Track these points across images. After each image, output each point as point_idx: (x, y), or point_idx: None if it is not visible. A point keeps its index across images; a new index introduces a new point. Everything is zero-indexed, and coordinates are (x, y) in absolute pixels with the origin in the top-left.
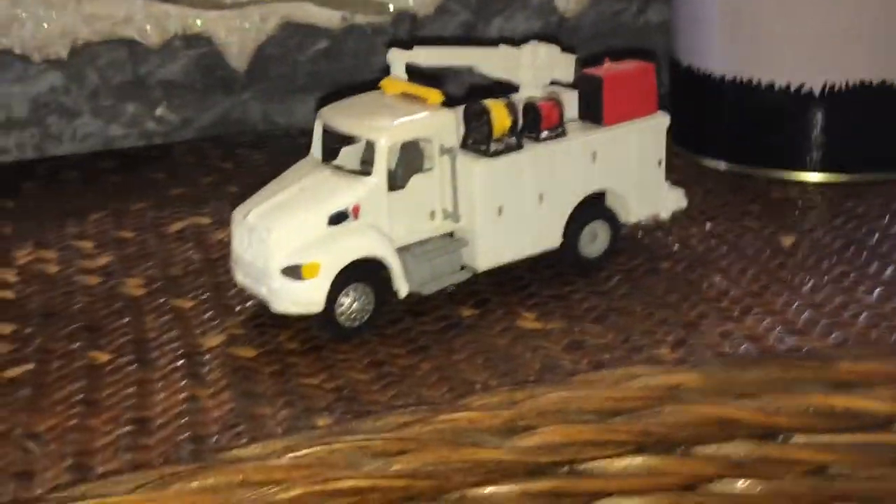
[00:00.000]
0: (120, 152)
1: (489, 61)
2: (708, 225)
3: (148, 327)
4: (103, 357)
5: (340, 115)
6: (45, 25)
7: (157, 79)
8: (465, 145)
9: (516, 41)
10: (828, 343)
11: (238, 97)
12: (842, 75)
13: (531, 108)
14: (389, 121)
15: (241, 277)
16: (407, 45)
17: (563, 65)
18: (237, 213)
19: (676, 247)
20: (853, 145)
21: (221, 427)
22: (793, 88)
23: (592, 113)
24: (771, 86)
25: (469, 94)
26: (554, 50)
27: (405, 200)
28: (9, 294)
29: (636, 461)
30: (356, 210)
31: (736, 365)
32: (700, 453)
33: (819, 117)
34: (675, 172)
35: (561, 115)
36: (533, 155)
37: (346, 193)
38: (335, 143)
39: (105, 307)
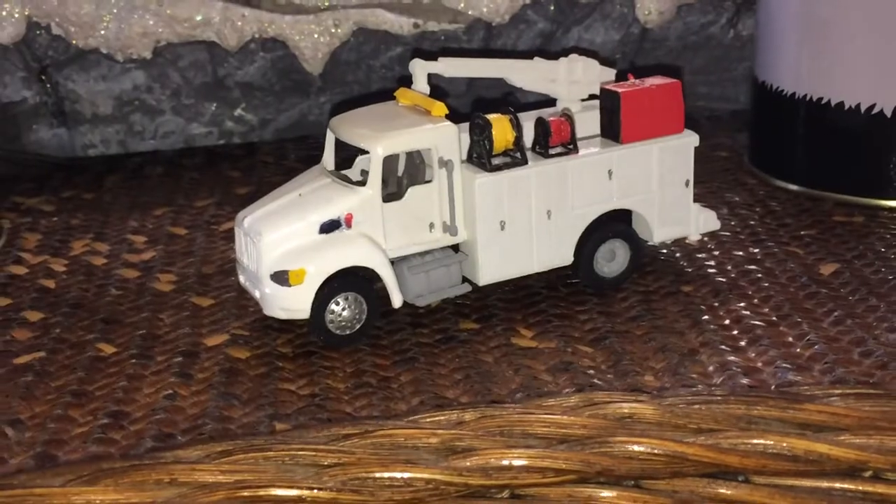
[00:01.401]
0: (204, 150)
1: (522, 74)
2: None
3: (162, 323)
4: (109, 349)
5: (346, 125)
6: (128, 27)
7: (235, 80)
8: (469, 158)
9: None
10: (823, 381)
11: (315, 100)
12: None
13: (541, 124)
14: (387, 131)
15: (242, 280)
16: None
17: (603, 79)
18: (239, 217)
19: (692, 268)
20: None
21: (188, 426)
22: (863, 109)
23: (611, 129)
24: (841, 105)
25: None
26: (592, 64)
27: (403, 211)
28: (51, 283)
29: (578, 491)
30: (349, 219)
31: (699, 400)
32: (648, 487)
33: (891, 140)
34: (745, 192)
35: (572, 132)
36: (539, 170)
37: (340, 202)
38: (348, 152)
39: (130, 301)
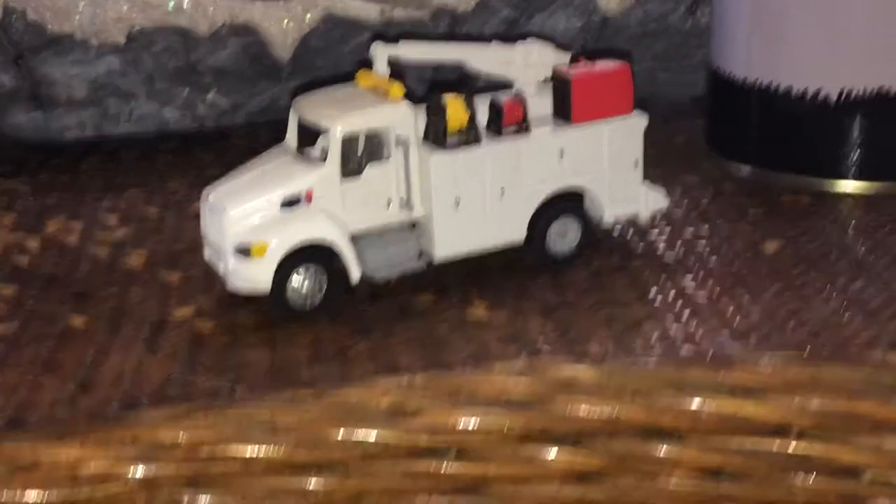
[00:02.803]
0: (178, 133)
1: (480, 58)
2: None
3: (132, 297)
4: (80, 321)
5: (308, 105)
6: (103, 12)
7: (207, 65)
8: (425, 138)
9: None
10: (758, 349)
11: (285, 85)
12: (859, 82)
13: (495, 104)
14: (345, 111)
15: (207, 255)
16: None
17: (557, 63)
18: (205, 193)
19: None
20: (870, 154)
21: (153, 391)
22: (809, 94)
23: (562, 111)
24: (788, 91)
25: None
26: (547, 48)
27: (361, 188)
28: (24, 259)
29: (520, 449)
30: (309, 195)
31: (636, 365)
32: (586, 447)
33: (835, 124)
34: (700, 175)
35: (524, 112)
36: (493, 150)
37: (301, 179)
38: (308, 131)
39: (102, 277)
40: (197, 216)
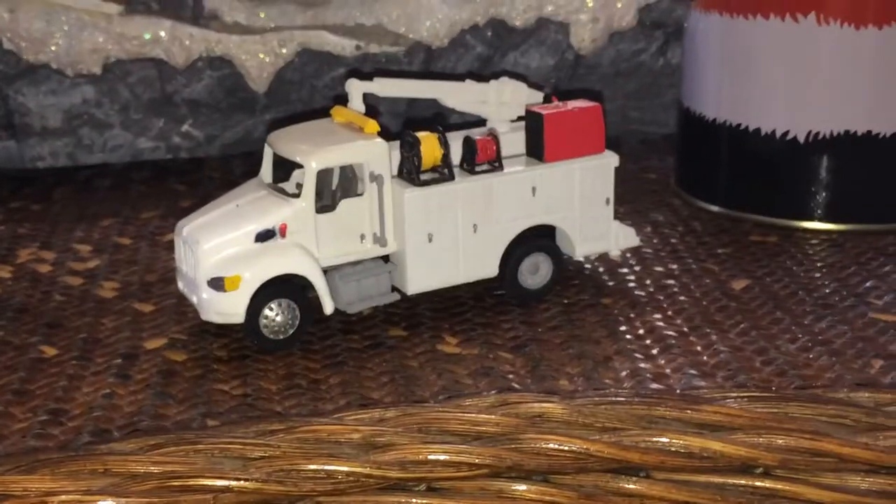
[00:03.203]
0: (152, 163)
1: (454, 95)
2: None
3: (103, 327)
4: (51, 351)
5: (283, 140)
6: (79, 43)
7: (182, 97)
8: (399, 174)
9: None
10: (726, 386)
11: (260, 117)
12: (827, 124)
13: (468, 142)
14: (320, 147)
15: (181, 286)
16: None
17: (531, 101)
18: (179, 226)
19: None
20: (837, 195)
21: (125, 422)
22: (778, 135)
23: (535, 149)
24: (758, 131)
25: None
26: (520, 87)
27: (335, 223)
28: None
29: (490, 484)
30: (283, 229)
31: (605, 401)
32: (556, 482)
33: (803, 165)
34: (669, 212)
35: (497, 150)
36: (466, 186)
37: (275, 213)
38: (284, 166)
39: (74, 307)
40: (170, 246)
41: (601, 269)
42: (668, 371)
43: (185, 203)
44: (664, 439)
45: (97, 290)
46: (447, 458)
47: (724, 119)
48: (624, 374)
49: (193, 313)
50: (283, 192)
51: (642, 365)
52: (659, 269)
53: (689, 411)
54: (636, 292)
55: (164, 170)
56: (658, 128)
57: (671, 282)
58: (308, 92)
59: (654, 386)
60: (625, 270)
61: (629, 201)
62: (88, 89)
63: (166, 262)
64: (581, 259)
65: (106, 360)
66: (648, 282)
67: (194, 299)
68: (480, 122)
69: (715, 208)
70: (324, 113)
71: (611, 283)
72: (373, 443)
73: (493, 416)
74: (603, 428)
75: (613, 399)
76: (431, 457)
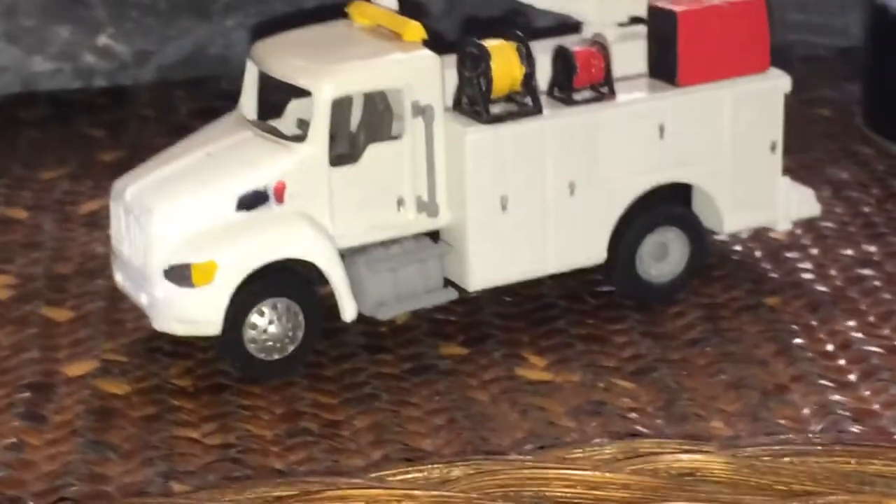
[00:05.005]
0: (51, 95)
1: None
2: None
3: None
4: None
5: (277, 53)
6: None
7: None
8: (456, 105)
9: None
10: None
11: (218, 24)
12: None
13: (563, 56)
14: (339, 63)
15: (120, 279)
16: None
17: None
18: (118, 188)
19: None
20: None
21: (44, 487)
22: None
23: (664, 67)
24: None
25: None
26: None
27: (359, 180)
28: None
29: None
30: (279, 190)
31: (789, 451)
32: None
33: None
34: (857, 167)
35: (607, 68)
36: (559, 123)
37: (267, 166)
38: (279, 93)
39: None
40: (89, 221)
41: (759, 254)
42: (875, 406)
43: (105, 156)
44: None
45: None
46: None
47: None
48: (807, 411)
49: (134, 322)
50: (276, 133)
51: (835, 397)
52: (848, 252)
53: None
54: (816, 287)
55: (69, 105)
56: (831, 38)
57: (868, 271)
58: None
59: (858, 428)
60: (795, 254)
61: (793, 151)
62: None
63: (85, 246)
64: (730, 234)
65: (6, 394)
66: (833, 271)
67: (142, 299)
68: (572, 26)
69: None
70: (322, 15)
71: (775, 275)
72: None
73: (618, 476)
74: (789, 492)
75: (802, 448)
76: None
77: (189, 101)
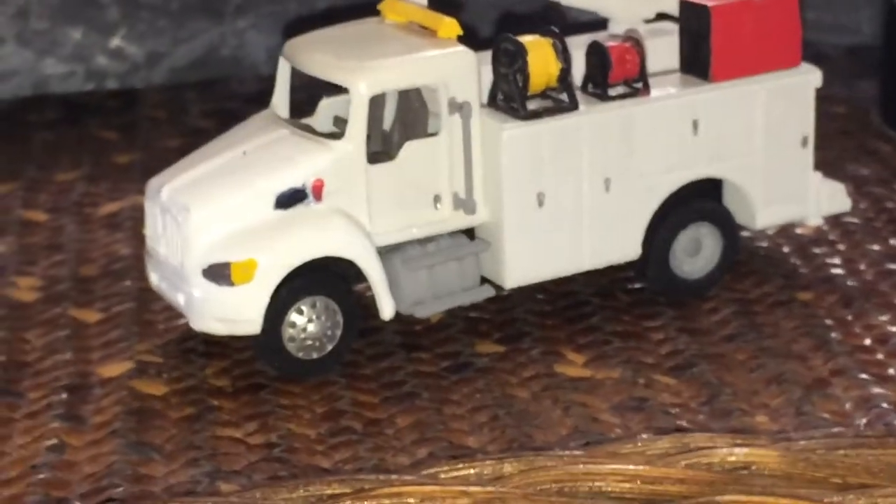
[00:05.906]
0: (60, 98)
1: None
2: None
3: (29, 346)
4: None
5: (310, 50)
6: None
7: None
8: (491, 101)
9: None
10: None
11: (231, 24)
12: None
13: (597, 52)
14: (376, 59)
15: (155, 280)
16: None
17: None
18: (153, 186)
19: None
20: None
21: (89, 488)
22: None
23: (696, 62)
24: None
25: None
26: None
27: (396, 178)
28: None
29: None
30: (318, 188)
31: (843, 443)
32: None
33: None
34: (877, 163)
35: (642, 64)
36: (595, 119)
37: (305, 164)
38: (313, 90)
39: None
40: (109, 223)
41: (787, 249)
42: None
43: (119, 158)
44: None
45: (9, 291)
46: None
47: None
48: (849, 404)
49: (167, 322)
50: (312, 131)
51: (877, 390)
52: (875, 247)
53: None
54: (847, 282)
55: (81, 108)
56: (841, 36)
57: None
58: None
59: (887, 421)
60: (823, 250)
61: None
62: None
63: (108, 248)
64: (762, 229)
65: (43, 395)
66: (863, 266)
67: (179, 299)
68: (599, 23)
69: None
70: (349, 13)
71: (805, 270)
72: None
73: (673, 470)
74: (845, 485)
75: (853, 441)
76: None
77: (201, 103)
